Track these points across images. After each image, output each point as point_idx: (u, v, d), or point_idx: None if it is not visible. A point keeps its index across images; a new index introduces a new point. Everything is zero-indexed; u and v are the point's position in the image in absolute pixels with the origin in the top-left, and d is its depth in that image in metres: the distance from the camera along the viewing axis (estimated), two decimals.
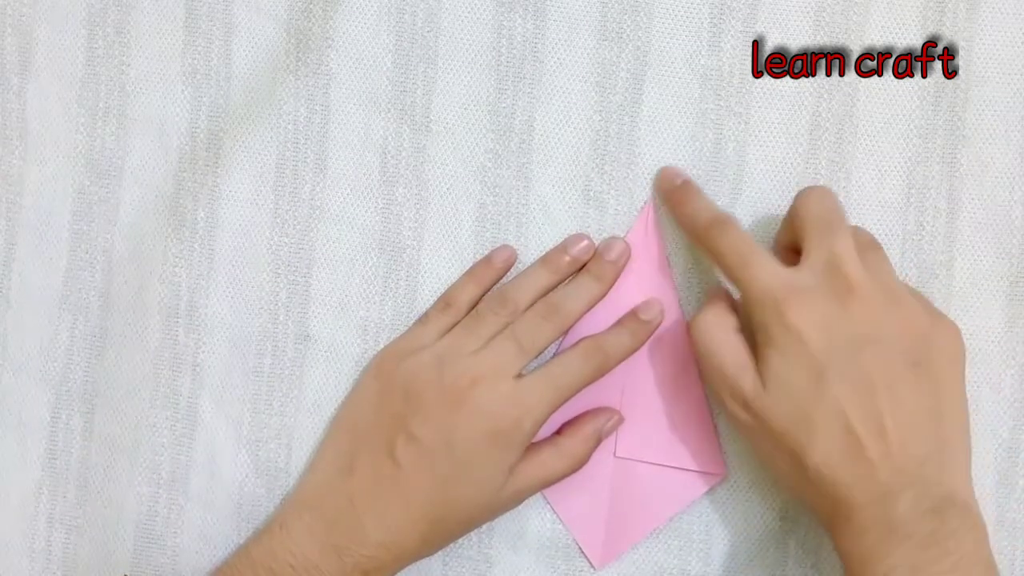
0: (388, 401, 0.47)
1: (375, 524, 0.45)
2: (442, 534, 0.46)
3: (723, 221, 0.45)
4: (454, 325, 0.48)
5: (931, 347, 0.42)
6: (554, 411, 0.46)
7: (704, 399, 0.49)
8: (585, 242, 0.49)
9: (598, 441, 0.48)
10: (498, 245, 0.50)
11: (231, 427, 0.51)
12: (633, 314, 0.48)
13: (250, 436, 0.51)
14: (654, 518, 0.49)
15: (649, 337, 0.48)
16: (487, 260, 0.50)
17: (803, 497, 0.44)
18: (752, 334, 0.44)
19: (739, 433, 0.47)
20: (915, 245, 0.49)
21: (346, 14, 0.50)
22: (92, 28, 0.52)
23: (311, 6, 0.51)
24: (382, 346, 0.50)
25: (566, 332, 0.48)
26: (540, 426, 0.46)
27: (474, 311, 0.48)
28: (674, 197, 0.48)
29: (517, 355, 0.46)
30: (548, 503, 0.50)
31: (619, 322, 0.48)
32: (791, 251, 0.46)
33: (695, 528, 0.49)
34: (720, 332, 0.44)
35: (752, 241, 0.44)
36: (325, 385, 0.51)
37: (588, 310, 0.48)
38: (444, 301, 0.49)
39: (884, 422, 0.41)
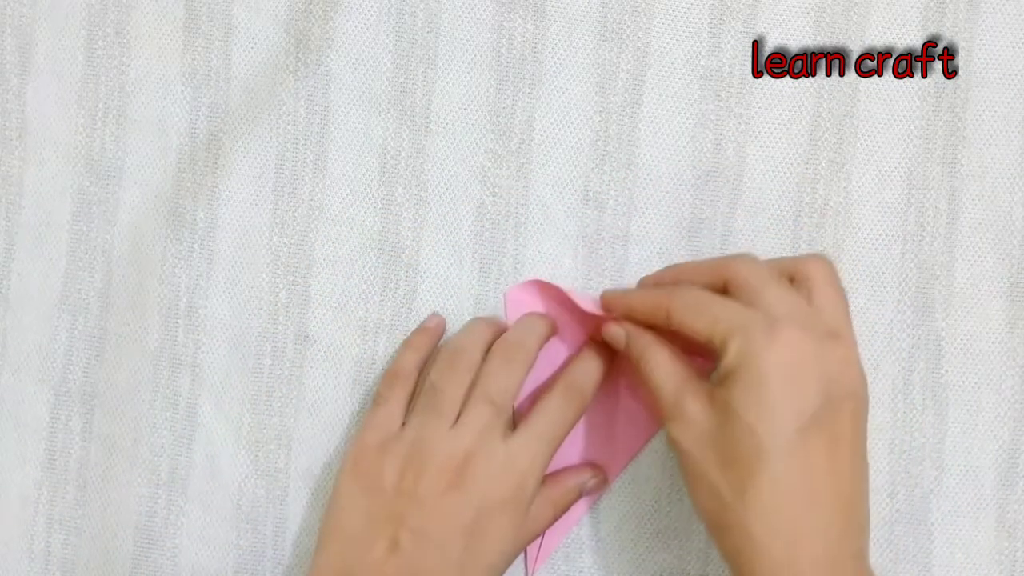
0: (377, 502, 0.44)
1: None
2: None
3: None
4: (411, 395, 0.47)
5: None
6: (550, 462, 0.45)
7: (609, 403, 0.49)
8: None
9: (579, 495, 0.48)
10: (494, 250, 0.50)
11: (230, 428, 0.51)
12: (592, 340, 0.48)
13: (249, 437, 0.51)
14: (571, 519, 0.49)
15: (612, 356, 0.47)
16: (421, 328, 0.50)
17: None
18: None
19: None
20: (915, 245, 0.49)
21: (346, 14, 0.50)
22: (92, 28, 0.52)
23: (311, 6, 0.51)
24: (381, 346, 0.50)
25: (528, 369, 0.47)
26: (540, 482, 0.45)
27: (428, 385, 0.46)
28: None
29: (495, 415, 0.45)
30: None
31: (581, 352, 0.48)
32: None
33: (695, 528, 0.49)
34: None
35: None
36: (325, 385, 0.51)
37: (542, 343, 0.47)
38: (391, 375, 0.48)
39: None
